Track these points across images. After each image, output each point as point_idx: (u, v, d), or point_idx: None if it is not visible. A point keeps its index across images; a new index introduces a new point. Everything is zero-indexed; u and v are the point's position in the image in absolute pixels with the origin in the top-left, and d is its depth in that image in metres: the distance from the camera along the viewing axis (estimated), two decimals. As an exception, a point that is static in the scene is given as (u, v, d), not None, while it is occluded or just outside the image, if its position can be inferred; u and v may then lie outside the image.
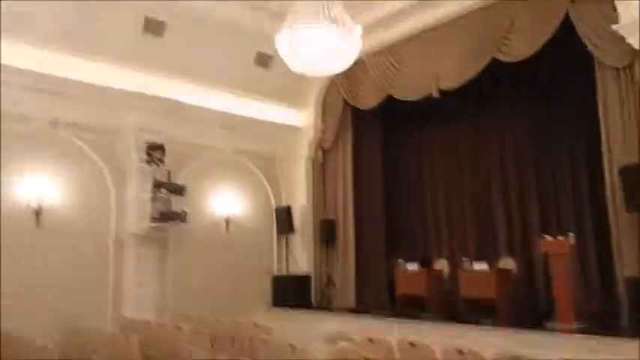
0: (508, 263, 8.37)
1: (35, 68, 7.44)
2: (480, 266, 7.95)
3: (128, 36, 8.06)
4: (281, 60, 6.51)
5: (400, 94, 8.93)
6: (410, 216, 10.54)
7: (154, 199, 8.45)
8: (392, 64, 8.97)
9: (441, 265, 9.26)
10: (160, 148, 8.51)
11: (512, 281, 8.02)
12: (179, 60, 8.62)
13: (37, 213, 7.56)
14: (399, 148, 10.66)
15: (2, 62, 7.12)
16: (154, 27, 8.11)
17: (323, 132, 10.44)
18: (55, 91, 7.72)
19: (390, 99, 9.19)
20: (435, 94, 8.41)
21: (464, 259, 8.47)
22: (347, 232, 10.15)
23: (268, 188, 10.38)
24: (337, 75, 7.93)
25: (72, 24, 7.49)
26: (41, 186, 7.62)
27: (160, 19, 8.08)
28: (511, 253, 8.74)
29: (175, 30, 8.32)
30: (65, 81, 7.74)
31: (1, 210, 7.21)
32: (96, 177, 8.24)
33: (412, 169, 10.66)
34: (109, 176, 8.35)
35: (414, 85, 8.68)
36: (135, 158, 8.48)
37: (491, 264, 7.95)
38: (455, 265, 8.87)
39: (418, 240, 10.36)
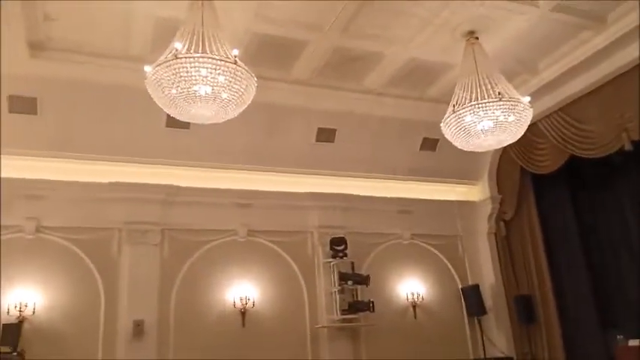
0: None
1: (230, 187, 8.55)
2: None
3: (303, 146, 8.86)
4: (447, 140, 6.54)
5: (586, 153, 8.19)
6: (622, 284, 9.17)
7: (341, 291, 8.74)
8: (569, 123, 8.35)
9: (673, 338, 7.81)
10: (342, 241, 8.89)
11: None
12: (350, 158, 9.13)
13: (243, 313, 8.31)
14: (595, 208, 9.53)
15: (211, 186, 8.39)
16: (325, 135, 8.84)
17: (501, 203, 10.01)
18: (247, 204, 8.73)
19: (574, 158, 8.48)
20: (628, 147, 7.56)
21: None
22: (548, 308, 9.31)
23: (451, 268, 10.03)
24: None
25: (256, 146, 8.53)
26: (245, 288, 8.44)
27: (330, 127, 8.78)
28: None
29: (344, 133, 8.93)
30: (255, 193, 8.73)
31: (213, 313, 8.19)
32: (289, 275, 8.85)
33: (616, 228, 9.39)
34: (299, 274, 8.90)
35: (601, 140, 7.91)
36: (320, 254, 8.99)
37: None
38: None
39: (636, 311, 8.90)
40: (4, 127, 7.14)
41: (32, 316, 7.21)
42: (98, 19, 6.25)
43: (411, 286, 9.54)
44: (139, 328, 7.55)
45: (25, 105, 7.13)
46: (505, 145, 6.63)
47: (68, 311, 7.44)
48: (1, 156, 7.21)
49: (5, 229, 7.38)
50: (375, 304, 8.60)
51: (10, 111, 7.13)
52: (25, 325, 7.10)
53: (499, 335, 9.58)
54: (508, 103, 5.95)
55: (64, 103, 7.33)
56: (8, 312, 7.08)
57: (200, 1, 5.21)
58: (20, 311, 7.12)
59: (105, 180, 7.84)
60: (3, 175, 7.24)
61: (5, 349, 6.69)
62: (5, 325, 6.90)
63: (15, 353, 6.70)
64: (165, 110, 5.22)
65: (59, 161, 7.62)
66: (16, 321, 7.04)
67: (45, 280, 7.43)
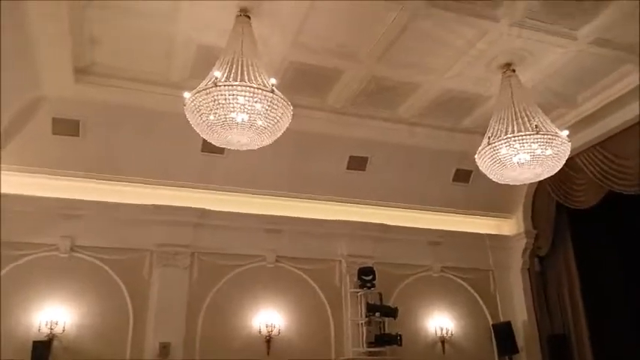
0: None
1: (261, 212, 8.59)
2: None
3: (335, 174, 8.86)
4: (481, 172, 6.45)
5: (626, 189, 7.95)
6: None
7: (369, 322, 8.59)
8: (608, 158, 8.14)
9: None
10: (371, 271, 8.78)
11: None
12: (381, 187, 9.09)
13: (268, 341, 8.21)
14: (636, 245, 9.21)
15: (242, 211, 8.42)
16: (357, 163, 8.84)
17: (536, 238, 9.79)
18: (276, 230, 8.74)
19: (612, 193, 8.25)
20: (672, 184, 7.32)
21: None
22: (583, 350, 8.95)
23: (482, 304, 9.75)
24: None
25: (287, 173, 8.59)
26: (271, 315, 8.36)
27: (363, 155, 8.79)
28: None
29: (376, 162, 8.92)
30: (285, 219, 8.72)
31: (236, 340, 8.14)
32: (315, 304, 8.75)
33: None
34: (326, 302, 8.79)
35: (642, 176, 7.68)
36: (348, 283, 8.87)
37: None
38: None
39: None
40: (47, 148, 7.39)
41: (62, 334, 7.28)
42: (141, 46, 6.45)
43: (440, 321, 9.32)
44: (165, 350, 7.56)
45: (68, 127, 7.38)
46: (541, 179, 6.51)
47: (97, 330, 7.51)
48: (42, 175, 7.46)
49: (40, 247, 7.56)
50: (402, 337, 8.40)
51: (54, 132, 7.38)
52: (55, 343, 7.19)
53: (531, 376, 9.23)
54: (545, 136, 5.85)
55: (105, 126, 7.56)
56: (39, 329, 7.17)
57: (240, 30, 5.36)
58: (51, 329, 7.20)
59: (139, 202, 7.98)
60: (41, 194, 7.46)
61: (35, 366, 6.79)
62: (36, 342, 6.99)
63: (44, 371, 6.78)
64: (202, 136, 5.31)
65: (96, 182, 7.81)
66: (46, 338, 7.12)
67: (76, 298, 7.53)
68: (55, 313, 7.31)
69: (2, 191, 6.68)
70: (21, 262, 7.43)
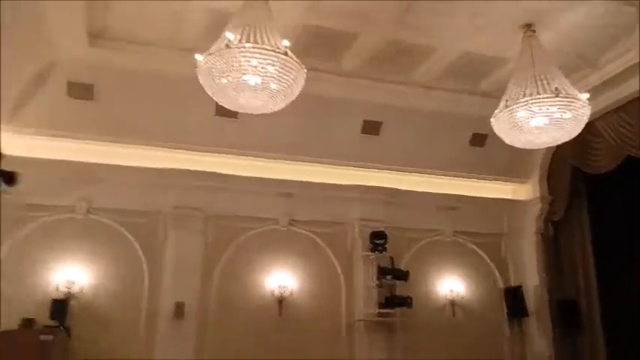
0: None
1: (274, 176, 8.59)
2: None
3: (348, 139, 8.78)
4: (497, 136, 6.35)
5: (645, 154, 7.80)
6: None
7: (380, 285, 8.68)
8: (628, 123, 7.95)
9: None
10: (383, 235, 8.80)
11: None
12: (395, 151, 9.03)
13: (280, 301, 8.37)
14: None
15: (256, 175, 8.43)
16: (371, 127, 8.75)
17: (551, 203, 9.65)
18: (290, 194, 8.77)
19: (630, 158, 8.08)
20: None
21: None
22: (592, 315, 8.97)
23: (494, 268, 9.79)
24: (563, 142, 7.35)
25: (301, 137, 8.51)
26: (284, 277, 8.49)
27: (377, 119, 8.69)
28: None
29: (391, 126, 8.82)
30: (298, 184, 8.74)
31: (251, 300, 8.32)
32: (327, 266, 8.85)
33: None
34: (338, 265, 8.89)
35: (662, 142, 7.52)
36: (360, 247, 8.92)
37: None
38: None
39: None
40: (62, 111, 7.39)
41: (79, 293, 7.47)
42: (154, 10, 6.36)
43: (450, 284, 9.39)
44: (179, 310, 7.72)
45: (82, 91, 7.38)
46: (559, 143, 6.36)
47: (113, 290, 7.69)
48: (58, 139, 7.51)
49: (58, 209, 7.69)
50: (413, 300, 8.52)
51: (69, 95, 7.38)
52: (72, 302, 7.36)
53: (540, 339, 9.29)
54: (565, 99, 5.69)
55: (119, 90, 7.53)
56: (57, 288, 7.36)
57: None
58: (68, 288, 7.39)
59: (154, 165, 8.02)
60: (57, 157, 7.52)
61: (53, 323, 6.97)
62: (54, 301, 7.17)
63: (62, 328, 6.96)
64: (215, 99, 5.25)
65: (112, 146, 7.85)
66: (64, 297, 7.30)
67: (93, 259, 7.69)
68: (72, 273, 7.49)
69: (19, 154, 6.72)
70: (38, 223, 7.57)
